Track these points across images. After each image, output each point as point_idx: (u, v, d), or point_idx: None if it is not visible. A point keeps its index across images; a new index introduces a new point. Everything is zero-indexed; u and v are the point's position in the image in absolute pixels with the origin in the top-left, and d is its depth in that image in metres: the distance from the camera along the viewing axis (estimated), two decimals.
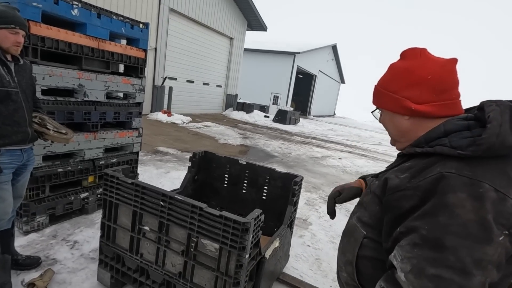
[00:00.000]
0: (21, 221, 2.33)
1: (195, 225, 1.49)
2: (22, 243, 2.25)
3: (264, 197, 2.59)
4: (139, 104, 3.10)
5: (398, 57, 0.89)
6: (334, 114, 38.03)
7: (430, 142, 0.78)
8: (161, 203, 1.57)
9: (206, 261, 1.52)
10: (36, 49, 2.12)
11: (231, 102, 15.44)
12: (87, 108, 2.56)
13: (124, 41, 3.01)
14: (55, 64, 2.28)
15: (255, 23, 15.27)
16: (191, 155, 2.66)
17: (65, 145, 2.45)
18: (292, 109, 16.73)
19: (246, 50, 18.92)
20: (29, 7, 2.02)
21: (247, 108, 15.14)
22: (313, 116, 27.20)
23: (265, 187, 2.57)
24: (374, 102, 0.94)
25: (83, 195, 2.69)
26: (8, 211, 1.71)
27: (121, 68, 3.07)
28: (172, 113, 10.31)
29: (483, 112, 0.73)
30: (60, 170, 2.46)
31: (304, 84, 26.47)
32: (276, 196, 2.52)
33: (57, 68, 2.28)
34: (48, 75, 2.22)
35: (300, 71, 23.58)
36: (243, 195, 2.68)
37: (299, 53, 20.82)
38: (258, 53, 21.62)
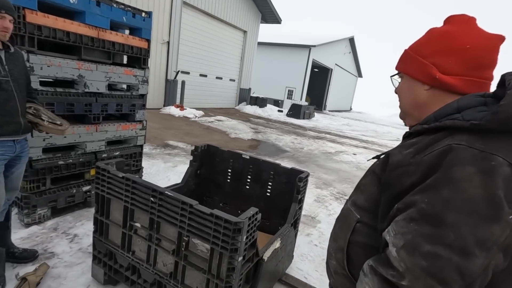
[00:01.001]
0: (22, 213, 2.31)
1: (185, 223, 1.38)
2: (23, 235, 2.23)
3: (268, 193, 2.46)
4: (143, 96, 3.03)
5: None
6: (351, 109, 37.11)
7: (440, 119, 0.69)
8: (151, 198, 1.48)
9: (197, 262, 1.41)
10: (33, 38, 2.06)
11: (244, 96, 15.31)
12: (88, 100, 2.51)
13: (127, 31, 2.94)
14: (53, 54, 2.23)
15: (269, 15, 14.98)
16: (193, 148, 2.56)
17: (65, 137, 2.41)
18: (306, 103, 16.40)
19: (260, 43, 18.66)
20: None
21: (260, 102, 14.96)
22: (329, 110, 26.64)
23: (269, 183, 2.43)
24: (397, 67, 0.85)
25: (85, 188, 2.66)
26: None
27: (125, 59, 3.01)
28: (184, 107, 10.31)
29: (503, 89, 0.62)
30: (61, 162, 2.43)
31: (319, 78, 25.91)
32: (281, 192, 2.39)
33: (56, 58, 2.22)
34: (46, 65, 2.17)
35: (315, 65, 23.07)
36: (247, 191, 2.56)
37: (314, 46, 20.34)
38: (272, 46, 21.30)
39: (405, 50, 0.83)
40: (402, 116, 0.87)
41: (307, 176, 2.17)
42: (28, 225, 2.33)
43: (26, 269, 1.86)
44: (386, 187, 0.71)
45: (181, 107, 10.17)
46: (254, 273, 1.57)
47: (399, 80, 0.85)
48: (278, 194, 2.41)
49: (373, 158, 0.89)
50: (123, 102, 2.83)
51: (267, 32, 20.59)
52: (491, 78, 0.72)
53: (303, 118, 14.74)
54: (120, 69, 2.71)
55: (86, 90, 2.48)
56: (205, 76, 12.60)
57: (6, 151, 1.67)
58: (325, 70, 25.46)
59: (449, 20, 0.77)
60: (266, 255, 1.63)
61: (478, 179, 0.56)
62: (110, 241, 1.72)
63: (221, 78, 13.64)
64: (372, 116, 31.29)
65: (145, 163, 4.33)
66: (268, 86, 21.53)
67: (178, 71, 10.54)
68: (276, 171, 2.38)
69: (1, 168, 1.67)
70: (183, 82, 10.71)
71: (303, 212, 3.45)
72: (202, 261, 1.39)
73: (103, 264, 1.77)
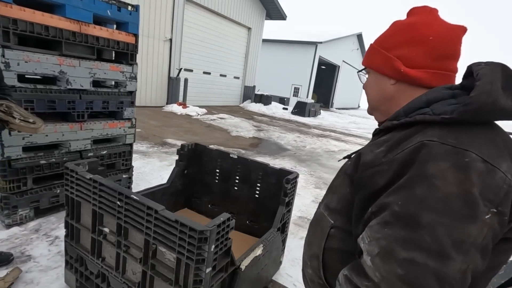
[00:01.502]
0: (2, 214, 2.25)
1: (151, 230, 1.27)
2: (2, 237, 2.16)
3: (257, 195, 2.33)
4: (131, 93, 2.93)
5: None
6: (359, 106, 36.57)
7: (410, 114, 0.67)
8: (118, 202, 1.37)
9: (165, 272, 1.30)
10: (8, 32, 1.98)
11: (249, 94, 15.17)
12: (71, 97, 2.42)
13: (115, 26, 2.84)
14: (31, 49, 2.14)
15: (274, 11, 14.76)
16: (179, 147, 2.45)
17: (46, 135, 2.33)
18: (313, 101, 16.15)
19: (265, 40, 18.45)
20: None
21: (265, 100, 14.81)
22: (336, 108, 26.29)
23: (258, 184, 2.31)
24: (363, 61, 0.84)
25: None
26: None
27: (113, 55, 2.91)
28: (187, 105, 10.25)
29: (471, 80, 0.61)
30: (43, 162, 2.35)
31: (326, 75, 25.56)
32: (270, 194, 2.26)
33: (34, 54, 2.14)
34: (23, 61, 2.08)
35: (322, 62, 22.74)
36: (235, 192, 2.43)
37: (321, 42, 20.02)
38: (277, 43, 21.06)
39: (371, 45, 0.81)
40: (370, 111, 0.85)
41: (296, 177, 2.03)
42: (9, 226, 2.26)
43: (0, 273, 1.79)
44: (358, 188, 0.68)
45: (183, 105, 10.11)
46: (231, 283, 1.45)
47: (367, 76, 0.83)
48: (267, 195, 2.28)
49: (344, 158, 0.84)
50: (110, 99, 2.73)
51: (272, 28, 20.33)
52: (455, 70, 0.72)
53: (308, 116, 14.52)
54: (106, 65, 2.61)
55: (69, 87, 2.39)
56: (209, 73, 12.51)
57: None
58: (332, 67, 25.08)
59: (412, 12, 0.76)
60: (244, 264, 1.50)
61: (452, 176, 0.53)
62: (81, 246, 1.63)
63: (225, 76, 13.53)
64: None
65: (140, 161, 4.26)
66: (273, 83, 21.32)
67: (181, 68, 10.47)
68: (265, 172, 2.25)
69: None
70: (185, 80, 10.63)
71: (298, 214, 3.32)
72: (169, 271, 1.28)
73: (75, 270, 1.67)
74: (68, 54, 2.34)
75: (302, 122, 12.25)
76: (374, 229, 0.58)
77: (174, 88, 10.34)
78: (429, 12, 0.73)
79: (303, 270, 0.86)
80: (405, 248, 0.53)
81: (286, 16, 15.04)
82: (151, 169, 4.07)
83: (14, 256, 1.95)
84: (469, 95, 0.58)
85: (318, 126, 12.00)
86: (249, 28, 14.11)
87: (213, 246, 1.18)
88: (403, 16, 0.80)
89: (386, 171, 0.61)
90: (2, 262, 1.87)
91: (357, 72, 0.87)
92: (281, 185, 2.12)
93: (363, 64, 0.84)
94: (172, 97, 10.35)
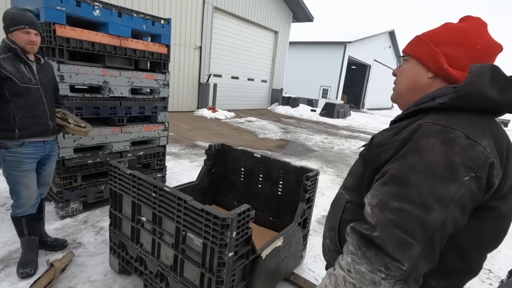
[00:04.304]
0: (58, 206, 2.59)
1: (181, 218, 1.44)
2: (57, 227, 2.49)
3: (279, 192, 2.45)
4: (164, 99, 3.19)
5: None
6: (392, 106, 35.03)
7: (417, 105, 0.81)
8: (153, 194, 1.56)
9: (193, 255, 1.46)
10: (62, 50, 2.30)
11: (277, 96, 15.29)
12: (113, 103, 2.72)
13: (149, 39, 3.13)
14: (80, 63, 2.46)
15: (301, 14, 14.78)
16: (207, 147, 2.64)
17: (93, 138, 2.64)
18: (342, 102, 15.86)
19: (292, 43, 18.48)
20: (54, 11, 2.20)
21: (292, 102, 14.83)
22: (367, 109, 25.47)
23: (280, 182, 2.42)
24: (406, 49, 0.90)
25: None
26: (31, 197, 1.89)
27: (148, 65, 3.20)
28: (216, 109, 10.62)
29: None
30: (90, 161, 2.67)
31: (357, 75, 24.91)
32: (291, 191, 2.36)
33: (83, 67, 2.45)
34: (74, 74, 2.40)
35: (352, 62, 22.22)
36: (258, 189, 2.57)
37: (350, 42, 19.60)
38: (305, 45, 20.97)
39: (417, 36, 0.88)
40: (395, 98, 0.94)
41: (316, 174, 2.12)
42: (63, 217, 2.60)
43: (56, 256, 2.08)
44: (368, 163, 0.82)
45: (213, 109, 10.49)
46: (252, 270, 1.58)
47: (405, 60, 0.91)
48: (288, 193, 2.38)
49: (363, 146, 0.96)
50: (145, 105, 3.01)
51: (299, 30, 20.32)
52: None
53: (337, 117, 14.28)
54: (142, 74, 2.89)
55: (111, 94, 2.69)
56: (237, 78, 12.83)
57: (37, 151, 1.88)
58: (363, 67, 24.39)
59: (466, 19, 0.83)
60: (265, 253, 1.62)
61: (439, 148, 0.66)
62: (123, 234, 1.86)
63: (252, 80, 13.78)
64: None
65: (171, 162, 4.56)
66: (302, 86, 21.24)
67: (210, 74, 10.88)
68: (286, 170, 2.35)
69: (33, 166, 1.89)
70: (215, 85, 11.03)
71: (323, 213, 3.36)
72: (197, 255, 1.44)
73: (117, 255, 1.91)
74: (110, 66, 2.64)
75: (331, 124, 12.10)
76: (376, 188, 0.73)
77: (204, 93, 10.78)
78: (481, 24, 0.80)
79: (323, 243, 1.00)
80: (397, 199, 0.66)
81: (313, 18, 14.98)
82: (182, 169, 4.34)
83: (68, 242, 2.25)
84: (460, 85, 0.71)
85: (347, 127, 11.77)
86: (276, 32, 14.27)
87: (234, 233, 1.32)
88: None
89: (390, 149, 0.75)
90: (58, 247, 2.17)
91: (398, 57, 0.98)
92: (301, 183, 2.21)
93: (405, 51, 0.90)
94: (202, 102, 10.79)
